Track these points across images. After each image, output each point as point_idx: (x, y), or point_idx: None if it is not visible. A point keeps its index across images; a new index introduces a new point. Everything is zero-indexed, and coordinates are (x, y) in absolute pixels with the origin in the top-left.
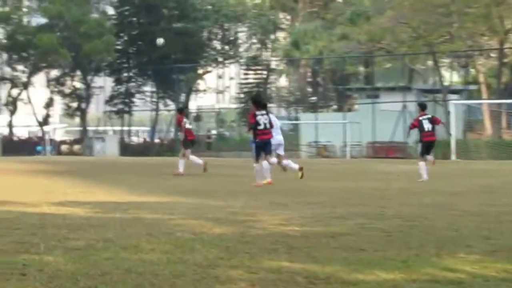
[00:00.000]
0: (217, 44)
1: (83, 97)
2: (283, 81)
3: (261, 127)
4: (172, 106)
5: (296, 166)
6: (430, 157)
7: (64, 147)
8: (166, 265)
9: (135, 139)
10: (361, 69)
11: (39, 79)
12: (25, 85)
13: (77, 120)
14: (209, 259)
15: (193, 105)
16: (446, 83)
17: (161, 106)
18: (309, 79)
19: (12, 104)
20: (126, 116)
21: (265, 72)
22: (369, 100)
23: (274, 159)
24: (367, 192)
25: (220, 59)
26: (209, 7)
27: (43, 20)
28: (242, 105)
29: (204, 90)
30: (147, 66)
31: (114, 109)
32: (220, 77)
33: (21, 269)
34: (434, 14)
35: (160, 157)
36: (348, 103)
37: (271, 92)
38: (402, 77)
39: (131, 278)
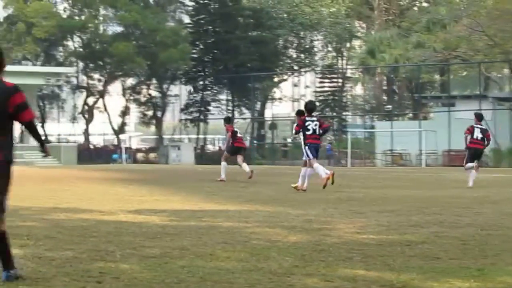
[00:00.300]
0: (292, 53)
1: (158, 106)
2: (358, 89)
3: (309, 132)
4: (247, 114)
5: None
6: (472, 164)
7: (139, 155)
8: (241, 273)
9: (210, 147)
10: (437, 77)
11: (115, 87)
12: (101, 94)
13: (153, 128)
14: (284, 267)
15: (268, 114)
16: None
17: (236, 114)
18: (385, 87)
19: (88, 113)
20: (201, 124)
21: (340, 80)
22: (444, 108)
23: (316, 165)
24: (442, 201)
25: (295, 67)
26: (285, 15)
27: (119, 29)
28: (318, 113)
29: (280, 99)
30: (223, 74)
31: (190, 117)
32: (295, 85)
33: (97, 277)
34: (510, 22)
35: (235, 165)
36: (424, 111)
37: (347, 100)
38: (478, 85)
39: (206, 286)
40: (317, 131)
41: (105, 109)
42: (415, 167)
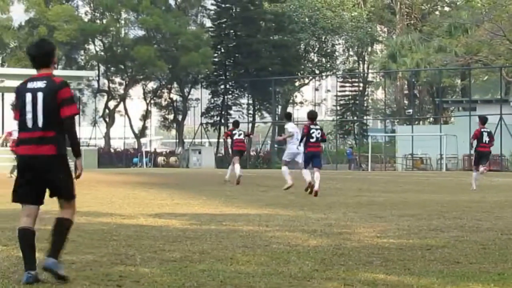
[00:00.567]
0: (314, 57)
1: (179, 109)
2: (379, 94)
3: (313, 140)
4: (268, 118)
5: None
6: (482, 169)
7: (160, 159)
8: (261, 277)
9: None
10: (458, 81)
11: (136, 91)
12: (122, 97)
13: (173, 132)
14: (304, 271)
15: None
16: None
17: (257, 118)
18: (406, 92)
19: (109, 116)
20: (222, 128)
21: (361, 85)
22: (465, 113)
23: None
24: (462, 205)
25: (316, 72)
26: (306, 19)
27: (140, 33)
28: (339, 117)
29: (301, 103)
30: (244, 78)
31: (211, 121)
32: (316, 89)
33: (117, 281)
34: None
35: (256, 169)
36: (445, 116)
37: (368, 104)
38: (499, 89)
39: None
40: (319, 139)
41: (126, 113)
42: (435, 172)
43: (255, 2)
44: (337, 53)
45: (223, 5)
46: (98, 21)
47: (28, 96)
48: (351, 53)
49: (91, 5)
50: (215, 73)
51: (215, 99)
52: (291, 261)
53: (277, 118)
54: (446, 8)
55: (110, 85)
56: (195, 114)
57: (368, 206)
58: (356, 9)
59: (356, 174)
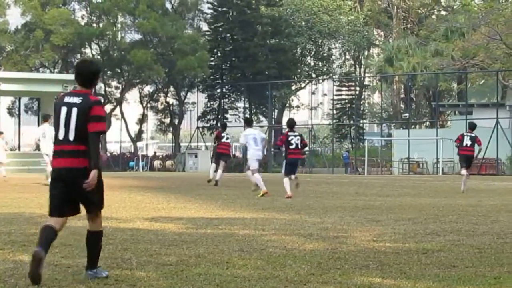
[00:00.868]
0: (310, 60)
1: (176, 113)
2: (376, 97)
3: (293, 146)
4: (265, 122)
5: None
6: (463, 172)
7: (156, 163)
8: (257, 281)
9: None
10: (454, 85)
11: (133, 95)
12: (119, 101)
13: (170, 136)
14: (300, 275)
15: (286, 121)
16: None
17: (253, 122)
18: (402, 95)
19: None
20: None
21: (358, 88)
22: (462, 117)
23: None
24: (459, 209)
25: (313, 75)
26: (303, 23)
27: (137, 36)
28: (335, 121)
29: (297, 106)
30: (241, 82)
31: (207, 125)
32: (313, 93)
33: (113, 284)
34: None
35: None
36: (441, 120)
37: (364, 108)
38: (496, 93)
39: None
40: (299, 145)
41: (122, 117)
42: (432, 175)
43: (251, 6)
44: (333, 57)
45: (219, 9)
46: (94, 25)
47: (63, 110)
48: (347, 57)
49: (88, 8)
50: (212, 77)
51: (212, 102)
52: (287, 265)
53: (273, 122)
54: (443, 12)
55: (107, 88)
56: (191, 118)
57: (364, 210)
58: (352, 13)
59: (353, 178)
